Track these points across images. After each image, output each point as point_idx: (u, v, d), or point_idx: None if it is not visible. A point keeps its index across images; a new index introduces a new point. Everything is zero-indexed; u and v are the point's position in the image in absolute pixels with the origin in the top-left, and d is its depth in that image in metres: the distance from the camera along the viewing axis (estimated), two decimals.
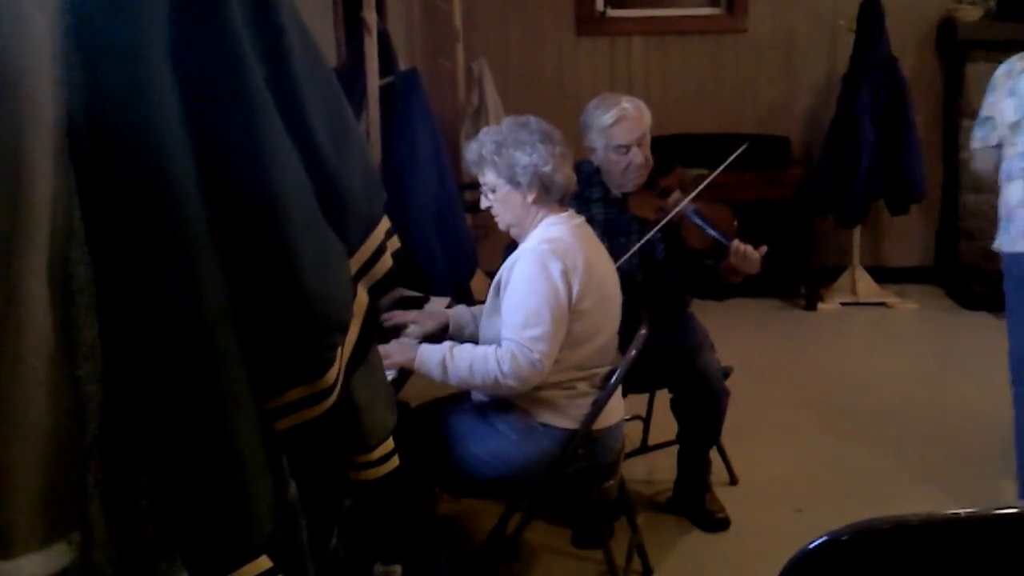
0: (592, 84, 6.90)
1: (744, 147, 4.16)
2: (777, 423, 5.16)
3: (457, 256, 4.69)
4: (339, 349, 1.96)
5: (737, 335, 6.07)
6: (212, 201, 1.76)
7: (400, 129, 4.52)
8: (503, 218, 3.39)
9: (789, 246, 6.96)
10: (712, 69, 7.42)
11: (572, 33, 7.45)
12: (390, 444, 2.25)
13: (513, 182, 3.28)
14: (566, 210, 3.38)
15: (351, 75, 4.45)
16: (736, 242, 3.88)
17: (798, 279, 7.18)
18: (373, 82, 4.32)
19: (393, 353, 3.28)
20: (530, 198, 3.29)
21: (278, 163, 1.83)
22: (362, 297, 2.08)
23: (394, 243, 2.20)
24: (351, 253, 2.04)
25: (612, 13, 7.48)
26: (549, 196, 3.29)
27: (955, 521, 1.59)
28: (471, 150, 3.35)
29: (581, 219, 3.42)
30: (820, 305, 7.06)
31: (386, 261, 2.14)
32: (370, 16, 4.27)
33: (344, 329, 1.97)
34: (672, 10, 7.56)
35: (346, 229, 2.00)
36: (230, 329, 1.79)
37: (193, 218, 1.72)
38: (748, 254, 3.87)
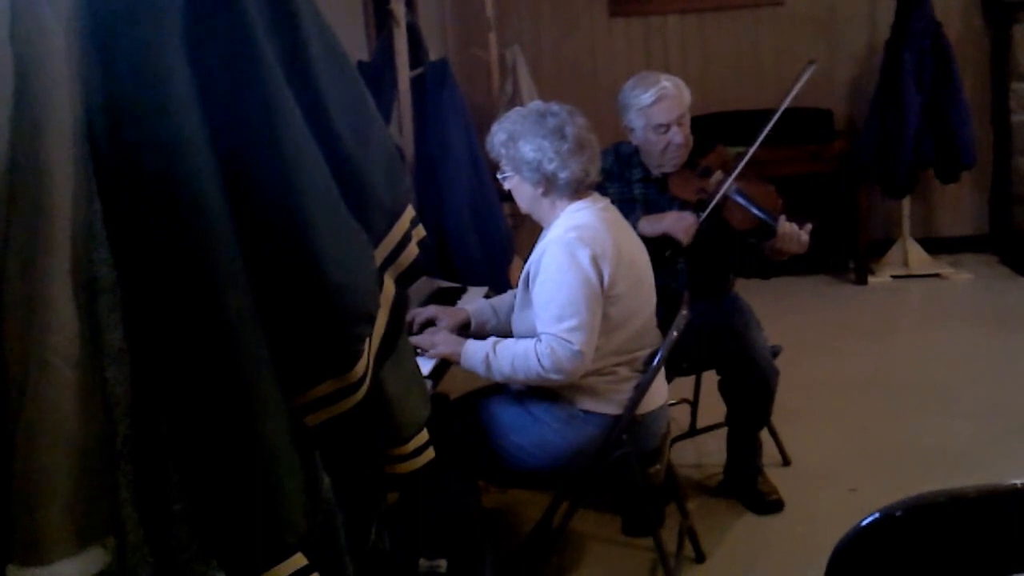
0: (628, 66, 6.85)
1: (775, 120, 4.07)
2: (830, 402, 5.08)
3: (494, 245, 4.65)
4: (367, 341, 1.94)
5: (786, 313, 6.05)
6: (233, 197, 1.76)
7: (432, 120, 4.48)
8: (521, 204, 3.38)
9: (836, 220, 6.92)
10: (750, 44, 7.35)
11: (605, 15, 7.41)
12: (424, 436, 2.24)
13: (521, 174, 3.27)
14: (589, 194, 3.31)
15: (381, 67, 4.42)
16: (783, 223, 3.82)
17: (847, 253, 7.12)
18: (404, 74, 4.28)
19: (439, 344, 3.26)
20: (539, 191, 3.26)
21: (298, 156, 1.82)
22: (389, 288, 2.06)
23: (419, 232, 2.17)
24: (376, 243, 2.02)
25: None
26: (557, 191, 3.25)
27: (1013, 492, 1.54)
28: (492, 134, 3.33)
29: (606, 201, 3.36)
30: (871, 279, 6.97)
31: (412, 251, 2.12)
32: (398, 8, 4.22)
33: (371, 320, 1.95)
34: None
35: (370, 220, 1.99)
36: (256, 325, 1.79)
37: (214, 215, 1.72)
38: (795, 235, 3.82)
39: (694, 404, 4.51)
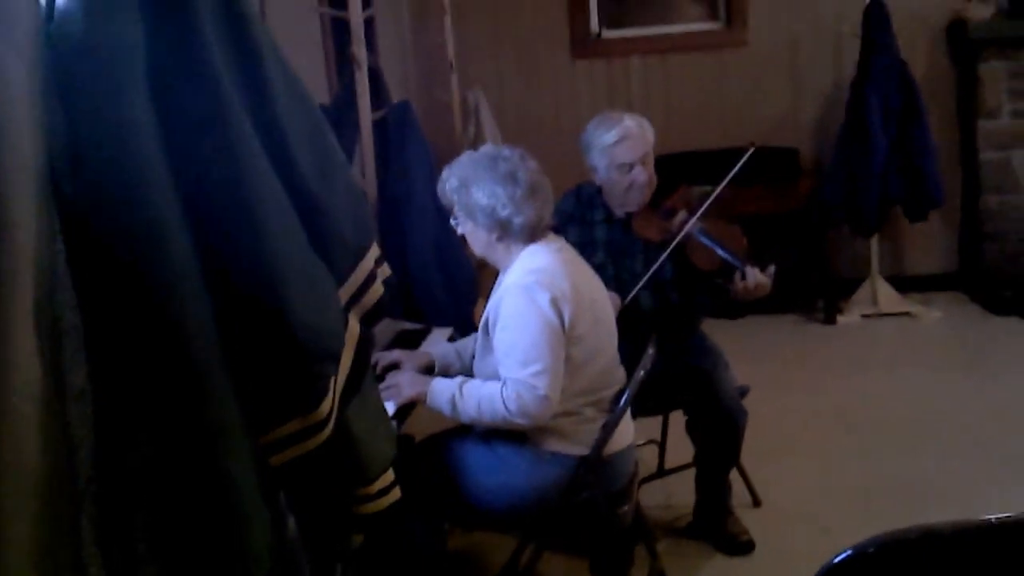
0: (591, 107, 6.84)
1: (746, 157, 4.07)
2: (800, 441, 5.06)
3: (458, 286, 4.65)
4: (332, 380, 1.92)
5: (755, 353, 6.04)
6: (197, 237, 1.75)
7: (395, 162, 4.49)
8: (475, 249, 3.36)
9: (804, 259, 6.91)
10: (715, 84, 7.37)
11: (567, 57, 7.41)
12: (390, 476, 2.22)
13: (474, 220, 3.24)
14: (545, 236, 3.29)
15: (344, 110, 4.43)
16: (745, 267, 3.83)
17: (816, 293, 7.10)
18: (365, 116, 4.29)
19: (404, 386, 3.25)
20: (493, 236, 3.24)
21: (262, 196, 1.81)
22: (354, 327, 2.04)
23: (384, 271, 2.15)
24: (341, 282, 2.00)
25: (608, 34, 7.45)
26: (512, 236, 3.23)
27: (986, 528, 1.53)
28: (442, 179, 3.31)
29: (562, 242, 3.35)
30: (840, 318, 6.96)
31: (377, 289, 2.11)
32: (359, 51, 4.24)
33: (336, 359, 1.94)
34: (670, 27, 7.50)
35: (334, 259, 1.98)
36: (221, 364, 1.78)
37: (179, 255, 1.71)
38: (758, 278, 3.83)
39: (662, 444, 4.49)
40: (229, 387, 1.79)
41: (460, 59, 6.78)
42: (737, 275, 3.84)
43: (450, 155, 5.35)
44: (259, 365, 1.83)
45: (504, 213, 3.17)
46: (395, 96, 5.33)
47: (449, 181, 3.26)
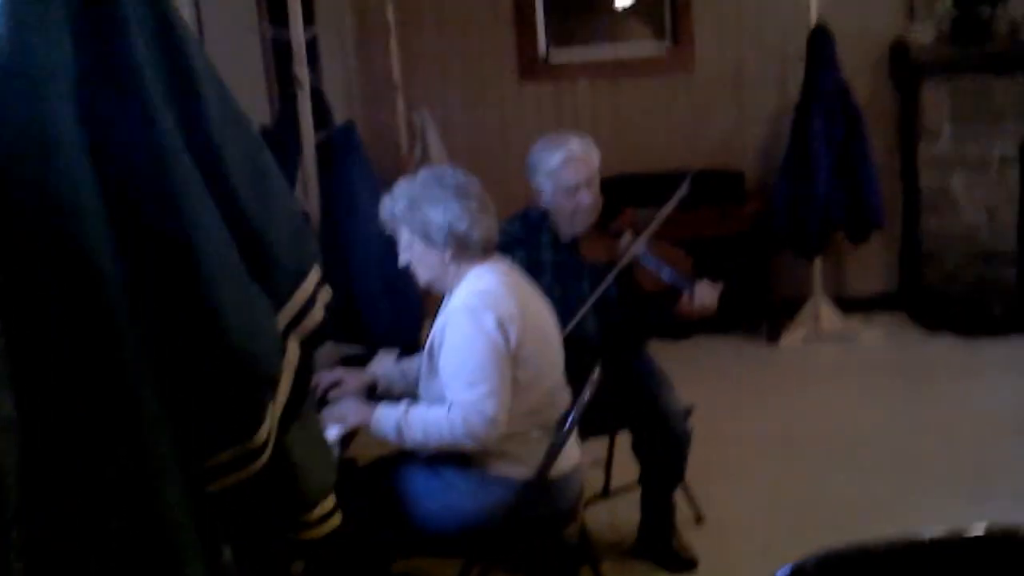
0: (538, 129, 6.71)
1: (689, 180, 4.09)
2: (743, 460, 5.08)
3: (404, 308, 4.62)
4: (269, 406, 1.89)
5: (699, 373, 6.05)
6: (128, 260, 1.71)
7: (338, 184, 4.45)
8: (422, 276, 3.31)
9: (748, 280, 6.94)
10: (661, 107, 7.39)
11: (515, 79, 7.41)
12: (331, 502, 2.19)
13: (428, 240, 3.19)
14: (491, 257, 3.28)
15: (286, 131, 4.39)
16: (690, 287, 3.86)
17: (759, 314, 7.13)
18: (308, 138, 4.26)
19: (349, 414, 3.22)
20: (447, 255, 3.20)
21: (197, 219, 1.78)
22: (293, 352, 2.01)
23: (326, 294, 2.13)
24: (279, 307, 1.97)
25: (555, 57, 7.46)
26: (467, 252, 3.20)
27: (919, 545, 1.54)
28: (385, 207, 3.26)
29: (508, 264, 3.34)
30: (783, 339, 6.99)
31: (317, 314, 2.08)
32: (301, 72, 4.21)
33: (273, 385, 1.91)
34: (617, 51, 7.53)
35: (273, 282, 1.95)
36: (155, 391, 1.75)
37: (108, 279, 1.68)
38: (703, 297, 3.86)
39: (608, 465, 4.49)
40: (163, 414, 1.75)
41: (406, 80, 6.78)
42: (685, 295, 3.85)
43: (396, 177, 5.35)
44: (194, 392, 1.80)
45: (462, 227, 3.14)
46: (340, 117, 5.31)
47: (396, 205, 3.22)
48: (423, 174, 3.27)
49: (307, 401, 2.08)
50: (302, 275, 2.05)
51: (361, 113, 7.02)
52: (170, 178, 1.75)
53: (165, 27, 1.81)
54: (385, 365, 3.61)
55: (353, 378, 3.47)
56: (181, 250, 1.75)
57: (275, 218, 1.97)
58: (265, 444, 1.89)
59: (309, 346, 2.07)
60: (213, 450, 1.85)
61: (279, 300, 1.97)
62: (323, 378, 3.46)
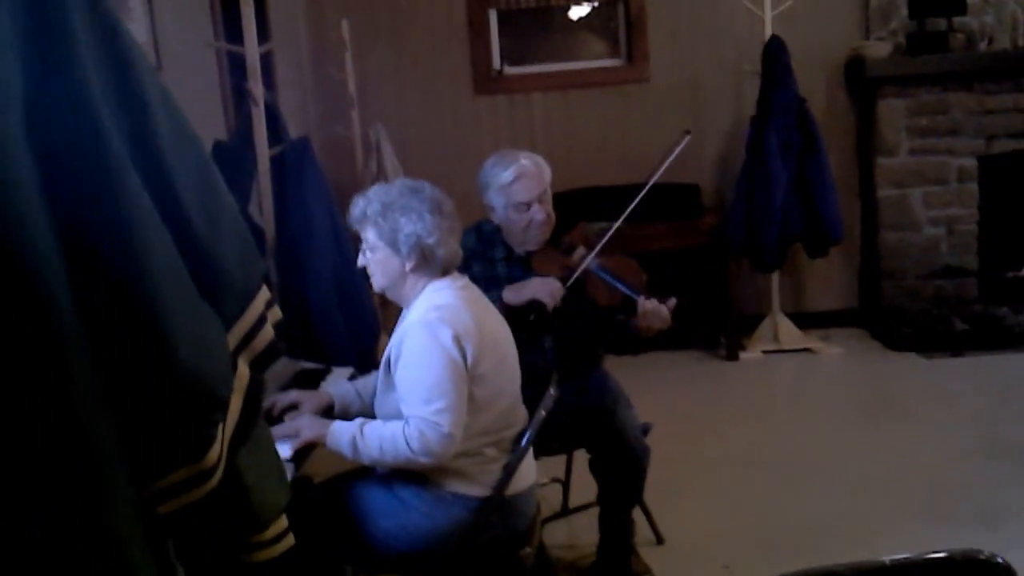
0: (493, 143, 6.83)
1: (643, 194, 4.08)
2: (703, 478, 5.06)
3: (359, 324, 4.59)
4: (220, 427, 1.85)
5: (658, 389, 6.04)
6: (76, 278, 1.67)
7: (293, 199, 4.41)
8: (378, 280, 3.29)
9: (706, 295, 6.94)
10: (617, 121, 7.40)
11: (470, 93, 7.40)
12: (284, 522, 2.15)
13: (394, 247, 3.17)
14: (451, 273, 3.26)
15: (240, 147, 4.35)
16: (643, 300, 3.82)
17: (718, 329, 7.13)
18: (263, 153, 4.22)
19: (304, 429, 3.17)
20: (408, 266, 3.18)
21: (145, 237, 1.74)
22: (243, 372, 1.97)
23: (275, 314, 2.09)
24: (229, 326, 1.93)
25: (509, 71, 7.45)
26: (428, 267, 3.19)
27: (883, 569, 1.52)
28: (356, 205, 3.23)
29: (465, 280, 3.32)
30: (742, 354, 7.00)
31: (267, 333, 2.04)
32: (255, 87, 4.17)
33: (224, 406, 1.87)
34: (571, 64, 7.55)
35: (222, 302, 1.91)
36: (103, 413, 1.70)
37: (55, 297, 1.63)
38: (657, 311, 3.81)
39: (566, 483, 4.46)
40: (113, 435, 1.71)
41: (361, 94, 6.74)
42: (638, 308, 3.83)
43: (352, 191, 5.36)
44: (143, 413, 1.76)
45: (430, 241, 3.13)
46: (295, 131, 5.28)
47: (369, 205, 3.19)
48: (401, 183, 3.26)
49: (258, 421, 2.04)
50: (251, 294, 2.02)
51: (317, 128, 6.99)
52: (118, 197, 1.71)
53: (114, 45, 1.78)
54: (341, 386, 3.56)
55: (310, 401, 3.42)
56: (130, 269, 1.71)
57: (224, 237, 1.93)
58: (216, 465, 1.86)
59: (259, 367, 2.03)
60: (163, 471, 1.81)
61: (229, 320, 1.93)
62: (279, 400, 3.42)
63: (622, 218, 4.05)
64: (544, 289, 3.81)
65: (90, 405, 1.67)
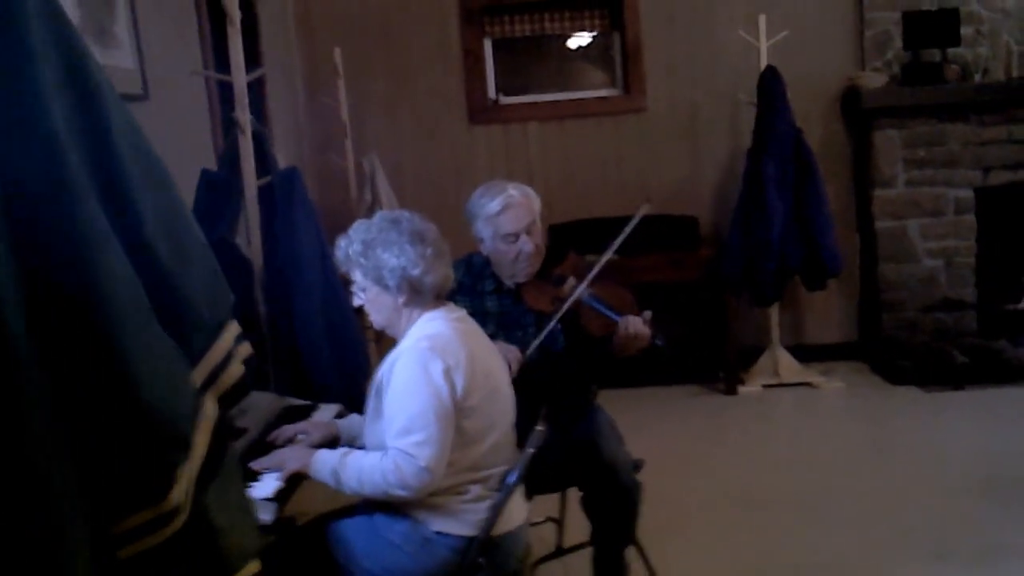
0: (489, 173, 6.79)
1: (634, 223, 4.01)
2: (700, 517, 4.97)
3: (349, 359, 4.50)
4: (182, 467, 1.78)
5: (655, 425, 5.99)
6: (34, 314, 1.61)
7: (281, 230, 4.34)
8: (376, 319, 3.24)
9: (705, 328, 6.87)
10: (613, 151, 7.37)
11: (465, 122, 7.37)
12: (255, 567, 2.08)
13: (381, 284, 3.12)
14: (444, 304, 3.20)
15: (228, 176, 4.28)
16: (624, 320, 3.75)
17: (716, 363, 7.06)
18: (250, 182, 4.16)
19: (288, 459, 3.12)
20: (400, 300, 3.13)
21: (108, 269, 1.69)
22: (210, 409, 1.89)
23: (244, 349, 2.01)
24: (195, 361, 1.86)
25: (505, 100, 7.41)
26: (420, 297, 3.13)
27: None
28: (340, 247, 3.19)
29: (461, 312, 3.26)
30: (741, 389, 6.93)
31: (235, 369, 1.97)
32: (243, 116, 4.11)
33: (186, 446, 1.80)
34: (567, 94, 7.53)
35: (188, 337, 1.84)
36: (61, 453, 1.64)
37: (14, 335, 1.57)
38: (638, 331, 3.74)
39: (560, 522, 4.36)
40: (72, 476, 1.65)
41: (355, 123, 6.70)
42: (619, 328, 3.75)
43: (346, 221, 5.31)
44: (103, 452, 1.70)
45: (415, 272, 3.07)
46: (288, 160, 5.22)
47: (351, 246, 3.14)
48: (380, 217, 3.21)
49: (227, 460, 1.96)
50: (219, 329, 1.95)
51: (310, 156, 6.95)
52: (79, 229, 1.67)
53: (77, 69, 1.72)
54: (350, 416, 3.50)
55: (316, 431, 3.39)
56: (88, 301, 1.66)
57: (192, 268, 1.88)
58: (179, 507, 1.79)
59: (227, 404, 1.95)
60: (124, 513, 1.75)
61: (195, 356, 1.86)
62: (285, 431, 3.39)
63: (612, 249, 3.97)
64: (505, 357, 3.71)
65: (47, 446, 1.62)
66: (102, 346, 1.66)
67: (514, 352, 3.74)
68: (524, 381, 3.68)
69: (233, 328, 1.99)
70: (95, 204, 1.68)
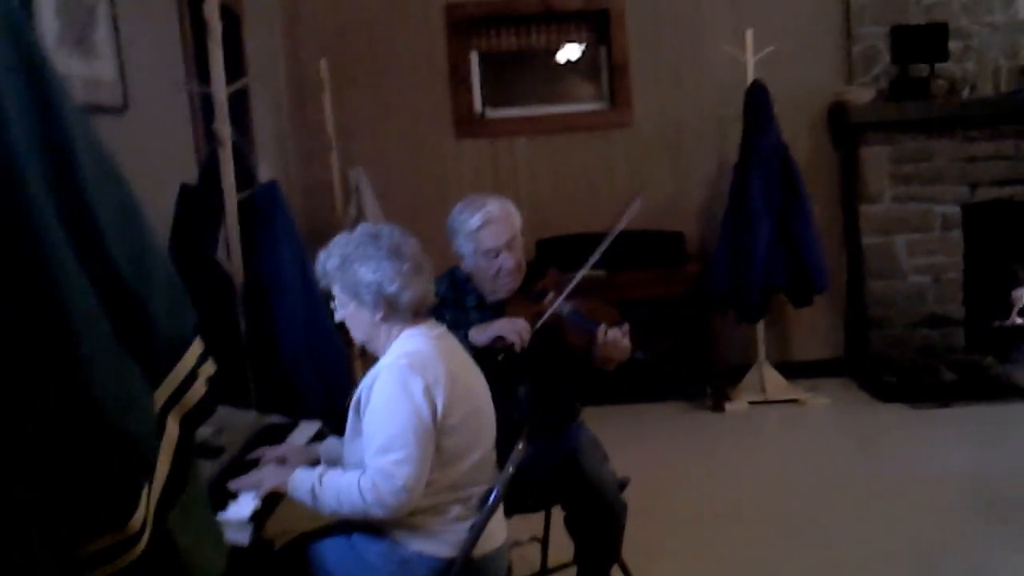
0: (476, 187, 6.73)
1: (613, 236, 3.98)
2: (686, 535, 4.93)
3: (330, 375, 4.44)
4: (144, 490, 1.74)
5: (641, 442, 5.97)
6: None
7: (262, 245, 4.29)
8: (356, 335, 3.20)
9: (691, 344, 6.84)
10: (601, 165, 7.35)
11: (452, 136, 7.34)
12: None
13: (359, 299, 3.08)
14: (425, 321, 3.16)
15: (208, 190, 4.22)
16: (601, 330, 3.71)
17: (703, 379, 7.03)
18: (230, 196, 4.11)
19: (266, 478, 3.08)
20: (378, 316, 3.08)
21: (65, 288, 1.63)
22: (172, 430, 1.85)
23: (208, 368, 1.97)
24: (158, 382, 1.81)
25: (492, 114, 7.38)
26: (398, 314, 3.08)
27: None
28: (319, 261, 3.16)
29: (442, 329, 3.21)
30: (728, 406, 6.90)
31: (199, 389, 1.92)
32: (223, 129, 4.07)
33: (149, 468, 1.76)
34: (554, 107, 7.51)
35: (150, 357, 1.79)
36: (20, 478, 1.61)
37: None
38: (616, 341, 3.70)
39: (544, 542, 4.31)
40: (33, 500, 1.62)
41: (341, 136, 6.65)
42: (597, 338, 3.72)
43: (331, 235, 5.27)
44: (62, 476, 1.65)
45: (392, 288, 3.03)
46: (273, 174, 5.18)
47: (329, 261, 3.11)
48: (360, 231, 3.18)
49: (190, 482, 1.92)
50: (182, 347, 1.90)
51: (296, 169, 6.91)
52: (37, 245, 1.61)
53: (38, 82, 1.67)
54: (329, 440, 3.44)
55: (296, 456, 3.33)
56: (46, 321, 1.61)
57: (154, 287, 1.83)
58: (141, 530, 1.75)
59: (190, 424, 1.91)
60: (86, 538, 1.70)
61: (157, 376, 1.81)
62: (267, 453, 3.34)
63: (592, 260, 3.94)
64: (510, 327, 3.69)
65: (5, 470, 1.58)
66: (61, 365, 1.62)
67: (522, 323, 3.70)
68: (528, 358, 3.64)
69: (197, 346, 1.95)
70: (55, 223, 1.64)
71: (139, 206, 1.87)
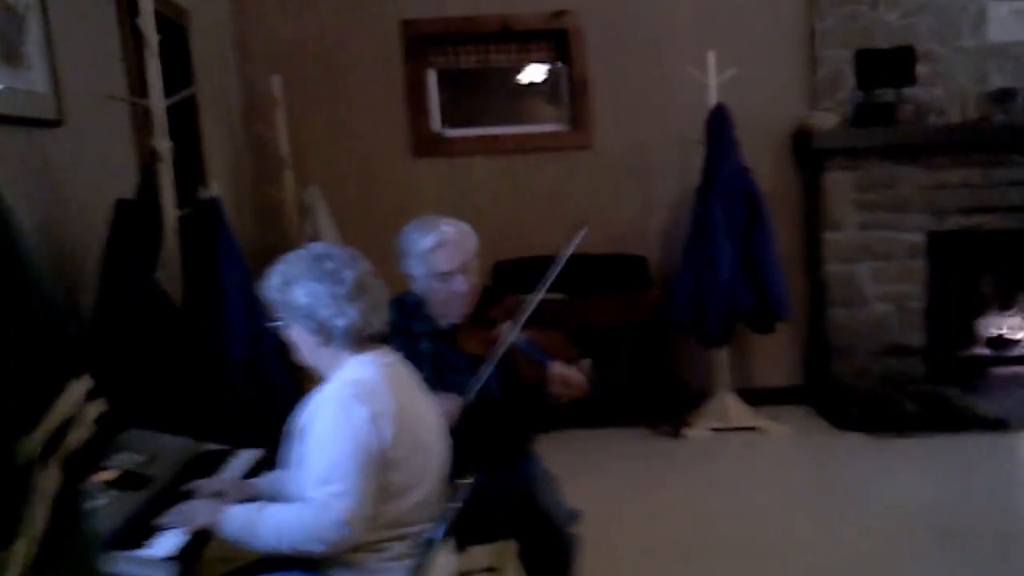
0: (434, 207, 6.53)
1: (560, 265, 3.87)
2: (643, 565, 4.81)
3: (273, 400, 4.29)
4: (13, 548, 1.56)
5: (599, 468, 5.92)
6: None
7: (202, 264, 4.15)
8: (301, 356, 3.05)
9: (652, 370, 6.74)
10: (561, 187, 7.24)
11: (409, 155, 7.21)
12: None
13: (297, 322, 2.95)
14: (375, 348, 3.00)
15: (146, 206, 4.07)
16: (552, 364, 3.61)
17: (663, 406, 6.96)
18: (169, 214, 3.97)
19: (197, 514, 2.93)
20: (317, 341, 2.94)
21: None
22: (52, 476, 1.68)
23: (96, 408, 1.80)
24: (33, 425, 1.64)
25: (450, 133, 7.26)
26: (336, 340, 2.93)
27: None
28: (264, 280, 3.01)
29: (393, 357, 3.06)
30: (688, 432, 6.80)
31: (83, 431, 1.75)
32: (161, 143, 3.93)
33: (15, 524, 1.58)
34: (513, 128, 7.41)
35: (21, 398, 1.61)
36: None
37: None
38: (567, 377, 3.61)
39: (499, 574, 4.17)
40: None
41: (295, 155, 6.51)
42: (548, 373, 3.62)
43: (283, 254, 5.11)
44: None
45: (324, 314, 2.89)
46: (225, 192, 5.05)
47: (272, 279, 2.97)
48: (308, 251, 3.03)
49: (75, 533, 1.75)
50: (61, 386, 1.73)
51: (249, 187, 6.78)
52: None
53: None
54: (271, 475, 3.28)
55: (236, 490, 3.18)
56: None
57: (25, 322, 1.65)
58: None
59: (77, 467, 1.74)
60: None
61: (29, 418, 1.64)
62: (202, 487, 3.18)
63: (542, 290, 3.82)
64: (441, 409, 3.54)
65: None
66: None
67: (454, 401, 3.58)
68: (463, 430, 3.51)
69: (81, 383, 1.78)
70: None
71: (14, 230, 1.71)
